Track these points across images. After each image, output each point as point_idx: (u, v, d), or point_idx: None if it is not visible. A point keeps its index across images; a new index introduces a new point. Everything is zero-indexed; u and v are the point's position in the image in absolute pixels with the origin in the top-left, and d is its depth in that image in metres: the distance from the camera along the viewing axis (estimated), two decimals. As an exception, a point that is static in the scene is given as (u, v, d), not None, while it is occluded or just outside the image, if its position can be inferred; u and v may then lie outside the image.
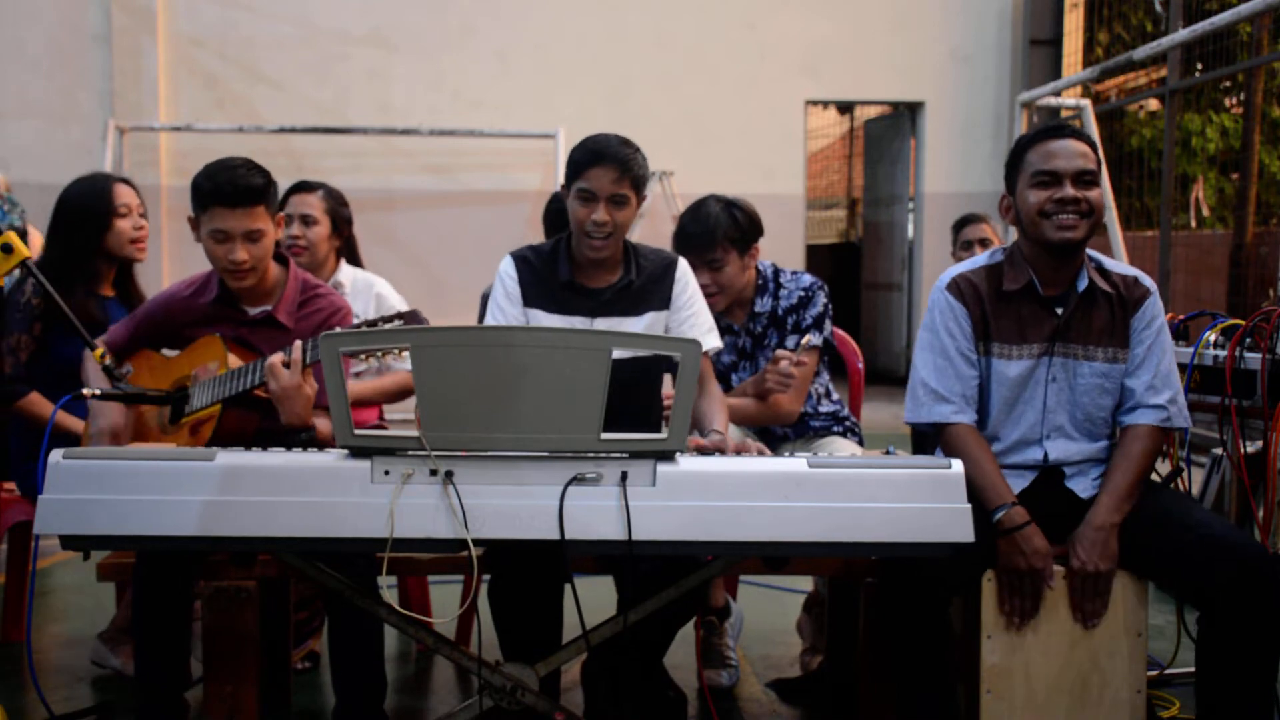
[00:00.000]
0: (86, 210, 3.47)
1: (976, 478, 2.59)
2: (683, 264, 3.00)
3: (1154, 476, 2.82)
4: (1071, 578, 2.58)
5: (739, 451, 2.49)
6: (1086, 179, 2.65)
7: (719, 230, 3.24)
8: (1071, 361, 2.72)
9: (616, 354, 2.80)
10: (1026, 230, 2.71)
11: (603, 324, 2.89)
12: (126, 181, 3.57)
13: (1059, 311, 2.71)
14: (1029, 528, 2.56)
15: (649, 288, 2.94)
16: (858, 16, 10.01)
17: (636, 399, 2.92)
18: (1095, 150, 2.71)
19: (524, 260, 2.95)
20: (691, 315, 2.96)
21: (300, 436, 2.67)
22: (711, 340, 2.97)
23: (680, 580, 2.50)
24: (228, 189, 2.79)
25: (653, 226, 8.89)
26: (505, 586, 2.75)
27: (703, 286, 3.08)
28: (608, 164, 2.77)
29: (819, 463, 2.17)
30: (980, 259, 2.82)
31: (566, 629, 2.76)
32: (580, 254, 2.88)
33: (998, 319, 2.72)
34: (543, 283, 2.91)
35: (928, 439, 3.14)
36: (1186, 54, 8.60)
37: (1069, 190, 2.63)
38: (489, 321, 2.95)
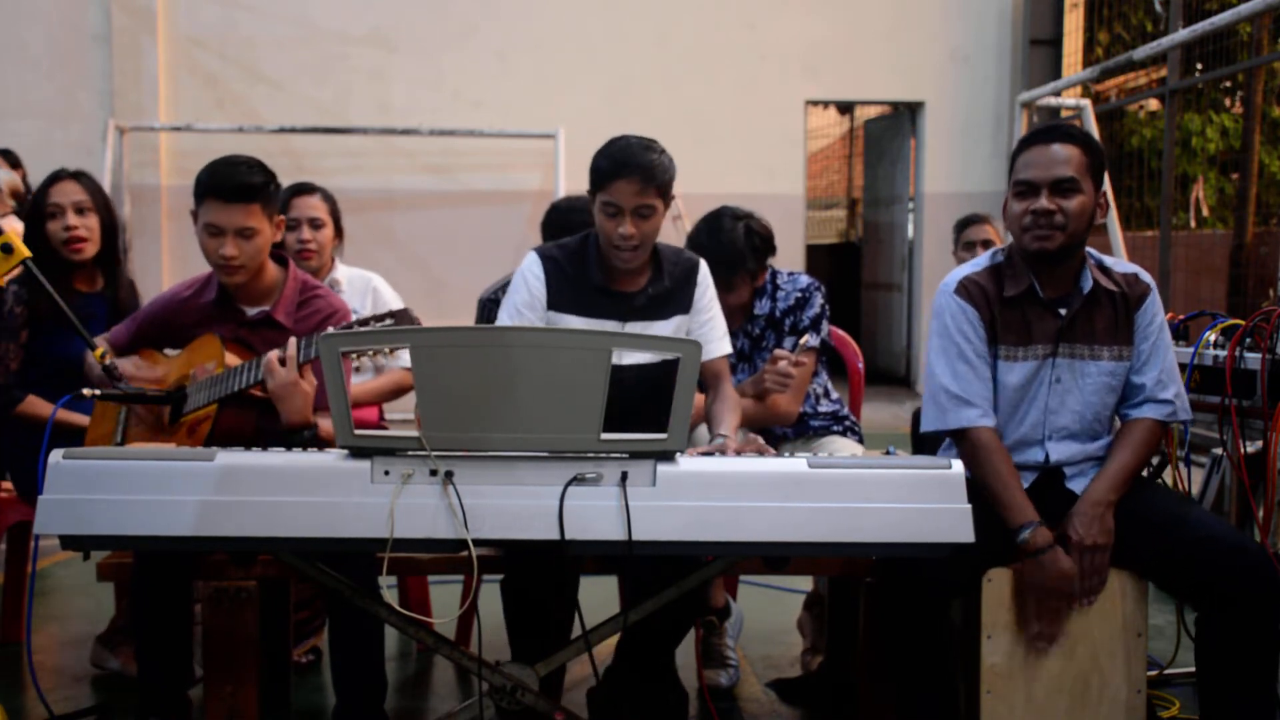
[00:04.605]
0: (31, 210, 3.50)
1: (999, 491, 2.59)
2: (703, 267, 3.01)
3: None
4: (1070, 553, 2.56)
5: (739, 452, 2.49)
6: (1065, 187, 2.62)
7: (742, 262, 3.25)
8: (1078, 362, 2.71)
9: (636, 360, 2.81)
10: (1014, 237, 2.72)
11: (634, 329, 2.88)
12: (76, 176, 3.52)
13: (1062, 313, 2.70)
14: (1054, 550, 2.55)
15: (675, 292, 2.94)
16: (857, 17, 10.00)
17: (656, 404, 2.91)
18: (1089, 150, 2.65)
19: (552, 260, 2.90)
20: (709, 320, 2.98)
21: (302, 435, 2.67)
22: (725, 346, 2.99)
23: (680, 580, 2.50)
24: (224, 184, 2.80)
25: (652, 226, 8.87)
26: (519, 586, 2.74)
27: None
28: (630, 176, 2.73)
29: (819, 463, 2.17)
30: (981, 260, 2.81)
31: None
32: (609, 262, 2.87)
33: (1004, 321, 2.71)
34: (573, 286, 2.88)
35: (928, 440, 3.13)
36: (1186, 54, 8.59)
37: (1042, 202, 2.62)
38: (503, 323, 2.91)
